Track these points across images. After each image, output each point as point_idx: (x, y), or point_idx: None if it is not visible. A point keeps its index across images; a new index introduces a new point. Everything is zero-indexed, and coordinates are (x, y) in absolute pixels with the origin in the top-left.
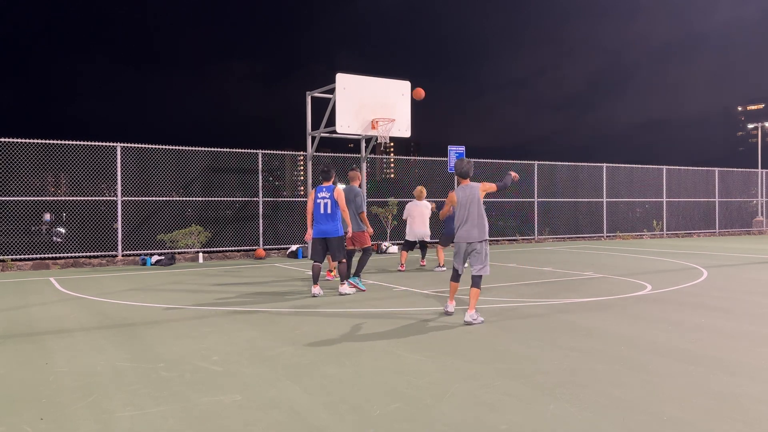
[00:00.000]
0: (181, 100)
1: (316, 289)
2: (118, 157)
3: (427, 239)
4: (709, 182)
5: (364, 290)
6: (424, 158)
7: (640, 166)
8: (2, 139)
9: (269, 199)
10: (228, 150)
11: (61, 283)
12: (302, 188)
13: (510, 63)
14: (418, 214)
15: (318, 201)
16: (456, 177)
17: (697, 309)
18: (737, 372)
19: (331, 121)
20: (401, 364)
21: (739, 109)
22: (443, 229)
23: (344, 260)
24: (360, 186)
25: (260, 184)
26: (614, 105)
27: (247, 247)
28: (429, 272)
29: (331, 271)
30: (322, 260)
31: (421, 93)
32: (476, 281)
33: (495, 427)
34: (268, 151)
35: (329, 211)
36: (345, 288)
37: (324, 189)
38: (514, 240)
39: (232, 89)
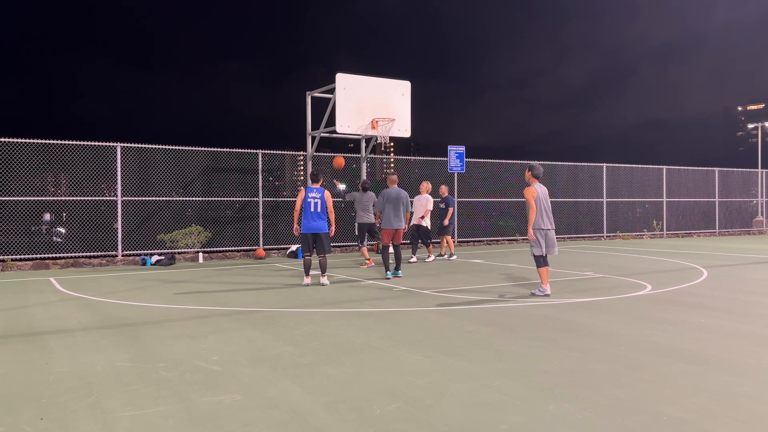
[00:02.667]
0: (182, 100)
1: (307, 280)
2: (118, 157)
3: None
4: (709, 182)
5: (400, 276)
6: (424, 158)
7: (640, 166)
8: (2, 139)
9: (269, 199)
10: (228, 150)
11: (61, 283)
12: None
13: (510, 63)
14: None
15: (309, 200)
16: (530, 176)
17: (697, 309)
18: (737, 372)
19: (331, 121)
20: (401, 364)
21: (739, 109)
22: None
23: (326, 255)
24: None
25: (260, 184)
26: (614, 105)
27: (247, 247)
28: (429, 271)
29: (369, 257)
30: (311, 253)
31: (341, 162)
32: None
33: (495, 427)
34: (268, 151)
35: (319, 210)
36: (325, 279)
37: (315, 190)
38: (514, 240)
39: (232, 89)
